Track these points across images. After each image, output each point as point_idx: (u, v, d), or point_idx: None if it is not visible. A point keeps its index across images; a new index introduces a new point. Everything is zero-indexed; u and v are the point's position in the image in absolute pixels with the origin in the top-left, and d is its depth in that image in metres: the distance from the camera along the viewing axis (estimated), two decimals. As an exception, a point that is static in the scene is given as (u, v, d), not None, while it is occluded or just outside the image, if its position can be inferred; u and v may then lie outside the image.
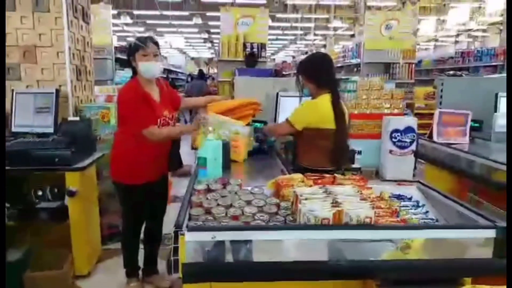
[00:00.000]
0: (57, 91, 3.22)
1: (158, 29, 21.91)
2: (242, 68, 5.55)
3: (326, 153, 2.35)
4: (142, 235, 2.91)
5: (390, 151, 4.93)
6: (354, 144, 2.71)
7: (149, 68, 2.51)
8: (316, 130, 2.34)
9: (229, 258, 1.38)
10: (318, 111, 2.34)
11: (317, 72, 2.43)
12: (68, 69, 3.40)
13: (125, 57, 7.92)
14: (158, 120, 2.52)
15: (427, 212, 1.53)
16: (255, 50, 7.12)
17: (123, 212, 2.80)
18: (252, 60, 6.75)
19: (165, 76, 14.36)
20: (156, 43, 2.59)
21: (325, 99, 2.35)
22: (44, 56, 3.39)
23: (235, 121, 2.73)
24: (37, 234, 3.02)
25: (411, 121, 4.42)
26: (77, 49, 3.61)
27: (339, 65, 9.47)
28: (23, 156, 2.81)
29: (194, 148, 2.99)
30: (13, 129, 3.19)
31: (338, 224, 1.32)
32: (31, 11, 3.34)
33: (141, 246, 2.92)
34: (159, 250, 3.00)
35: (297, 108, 2.45)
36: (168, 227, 2.93)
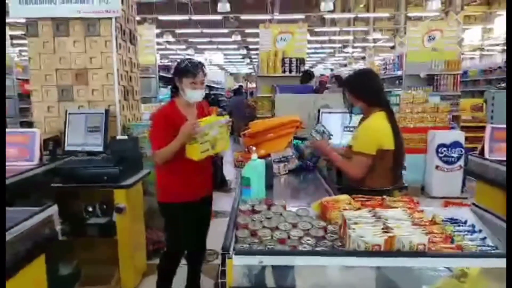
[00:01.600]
0: (107, 111, 3.37)
1: (199, 46, 22.55)
2: (282, 85, 5.57)
3: (388, 173, 2.28)
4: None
5: (437, 167, 4.77)
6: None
7: (195, 95, 2.55)
8: (380, 151, 2.24)
9: (273, 283, 1.37)
10: (382, 132, 2.25)
11: (366, 90, 2.37)
12: (117, 89, 3.56)
13: (168, 75, 8.22)
14: None
15: (484, 238, 1.44)
16: (312, 69, 7.08)
17: (167, 236, 2.80)
18: (307, 78, 6.70)
19: (206, 92, 14.65)
20: (205, 73, 2.60)
21: (381, 118, 2.28)
22: (95, 78, 3.57)
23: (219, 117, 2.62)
24: (86, 249, 3.14)
25: (458, 135, 4.22)
26: (125, 70, 3.77)
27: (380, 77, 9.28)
28: (74, 173, 2.95)
29: (236, 166, 3.03)
30: (66, 148, 3.35)
31: (390, 250, 1.28)
32: (83, 36, 3.54)
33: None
34: (202, 268, 3.02)
35: (360, 135, 2.32)
36: (209, 241, 2.94)
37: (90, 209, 3.18)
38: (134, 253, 3.13)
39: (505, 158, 3.14)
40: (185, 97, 2.56)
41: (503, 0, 16.15)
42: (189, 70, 2.51)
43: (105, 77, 3.56)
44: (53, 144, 3.31)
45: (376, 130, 2.27)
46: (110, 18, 3.49)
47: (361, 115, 2.44)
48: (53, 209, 2.02)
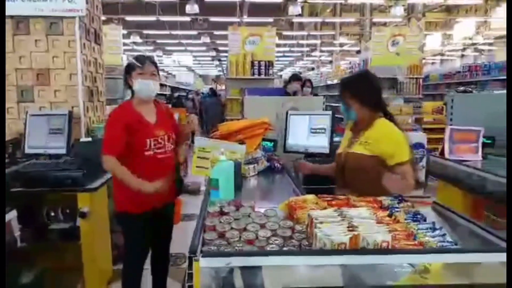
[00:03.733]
0: (70, 112, 3.27)
1: (167, 48, 22.28)
2: (251, 88, 5.62)
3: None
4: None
5: (401, 168, 4.86)
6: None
7: (144, 86, 2.41)
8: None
9: (241, 285, 1.37)
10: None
11: (369, 94, 2.20)
12: (81, 90, 3.46)
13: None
14: (148, 140, 2.40)
15: (444, 234, 1.50)
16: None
17: (125, 244, 2.60)
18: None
19: (168, 93, 14.48)
20: (155, 63, 2.50)
21: (389, 123, 2.17)
22: (57, 79, 3.46)
23: (221, 141, 2.68)
24: (49, 255, 3.03)
25: (421, 136, 4.42)
26: (89, 71, 3.67)
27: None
28: (36, 177, 2.84)
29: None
30: (26, 151, 3.23)
31: (355, 248, 1.30)
32: (45, 35, 3.42)
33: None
34: (169, 271, 2.97)
35: (400, 143, 2.13)
36: (178, 245, 2.88)
37: (53, 214, 3.08)
38: (99, 258, 3.05)
39: (463, 158, 3.29)
40: (138, 92, 2.44)
41: (461, 8, 16.91)
42: (135, 63, 2.43)
43: (68, 78, 3.46)
44: (13, 147, 3.18)
45: (405, 137, 2.16)
46: (74, 17, 3.39)
47: (354, 120, 2.28)
48: (12, 215, 1.93)
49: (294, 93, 5.32)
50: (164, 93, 13.55)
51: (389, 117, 2.21)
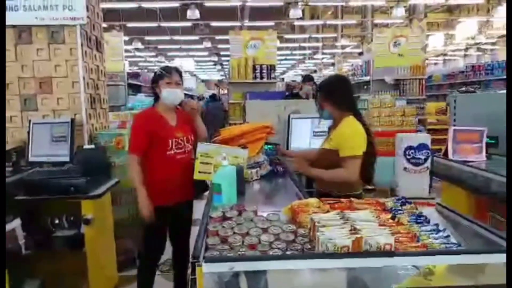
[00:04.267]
0: (72, 120, 3.28)
1: (169, 54, 22.37)
2: (253, 92, 5.62)
3: (359, 176, 2.34)
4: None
5: (405, 169, 4.88)
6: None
7: (172, 94, 2.68)
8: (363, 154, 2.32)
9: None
10: (364, 135, 2.33)
11: (339, 95, 2.43)
12: (83, 98, 3.47)
13: (137, 83, 8.11)
14: (170, 141, 2.66)
15: (448, 236, 1.49)
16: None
17: (143, 237, 2.82)
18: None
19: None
20: (180, 72, 2.77)
21: (356, 122, 2.35)
22: (60, 87, 3.47)
23: (224, 146, 2.73)
24: (53, 263, 3.03)
25: (425, 137, 4.38)
26: (91, 78, 3.69)
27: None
28: (39, 185, 2.86)
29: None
30: (30, 159, 3.24)
31: (357, 251, 1.30)
32: (47, 43, 3.44)
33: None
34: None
35: (348, 140, 2.34)
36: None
37: (57, 221, 3.08)
38: (104, 265, 3.05)
39: (467, 159, 3.28)
40: (164, 100, 2.69)
41: (463, 8, 16.88)
42: (163, 72, 2.70)
43: (70, 85, 3.48)
44: (16, 155, 3.20)
45: (361, 134, 2.34)
46: (75, 26, 3.41)
47: (330, 120, 2.51)
48: (16, 223, 1.94)
49: (307, 97, 5.21)
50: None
51: (358, 116, 2.39)
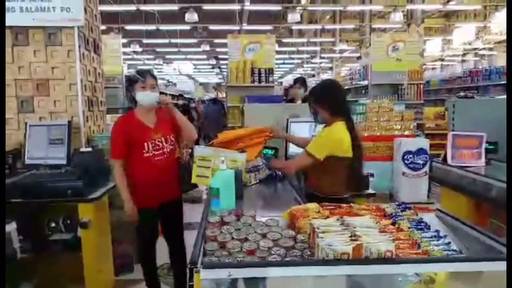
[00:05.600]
0: (69, 122, 3.25)
1: (167, 56, 22.35)
2: (251, 95, 5.61)
3: (343, 181, 2.34)
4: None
5: (403, 173, 4.90)
6: (366, 167, 2.70)
7: (145, 97, 2.68)
8: (334, 158, 2.33)
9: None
10: (337, 139, 2.35)
11: (329, 100, 2.46)
12: (80, 100, 3.44)
13: (135, 86, 8.06)
14: (146, 144, 2.67)
15: (449, 243, 1.47)
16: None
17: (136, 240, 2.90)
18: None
19: (175, 102, 14.25)
20: (154, 77, 2.76)
21: (341, 127, 2.36)
22: (57, 89, 3.45)
23: (222, 149, 2.70)
24: (49, 267, 3.00)
25: (423, 142, 4.37)
26: (89, 81, 3.66)
27: (346, 87, 9.50)
28: (36, 188, 2.82)
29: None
30: (27, 162, 3.20)
31: (358, 258, 1.28)
32: (44, 45, 3.42)
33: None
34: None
35: (315, 138, 2.47)
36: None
37: (53, 224, 3.05)
38: (100, 268, 3.02)
39: (466, 164, 3.27)
40: (140, 102, 2.71)
41: (460, 13, 16.97)
42: (136, 76, 2.70)
43: (67, 88, 3.45)
44: (13, 158, 3.16)
45: (332, 138, 2.37)
46: (73, 28, 3.39)
47: (324, 124, 2.52)
48: (11, 227, 1.91)
49: (292, 99, 5.24)
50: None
51: (349, 122, 2.41)
